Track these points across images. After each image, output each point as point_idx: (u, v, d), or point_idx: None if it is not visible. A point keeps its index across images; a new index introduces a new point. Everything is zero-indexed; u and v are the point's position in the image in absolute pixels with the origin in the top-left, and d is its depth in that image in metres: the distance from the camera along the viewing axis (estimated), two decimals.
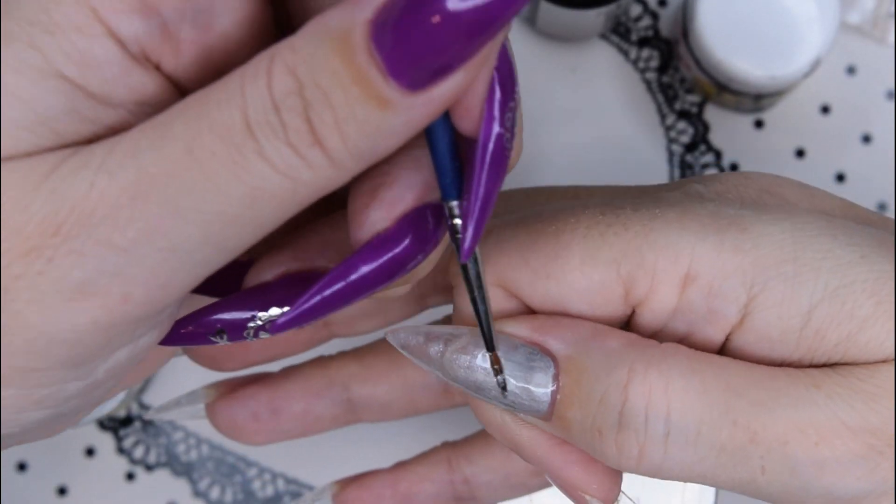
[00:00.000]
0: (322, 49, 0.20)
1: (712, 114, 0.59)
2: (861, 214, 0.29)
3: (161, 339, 0.25)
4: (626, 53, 0.59)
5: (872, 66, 0.59)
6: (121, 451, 0.59)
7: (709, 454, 0.26)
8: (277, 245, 0.27)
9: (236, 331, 0.26)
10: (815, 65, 0.52)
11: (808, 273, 0.26)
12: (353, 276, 0.24)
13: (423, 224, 0.24)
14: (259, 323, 0.26)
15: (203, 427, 0.59)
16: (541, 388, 0.27)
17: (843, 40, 0.58)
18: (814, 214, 0.27)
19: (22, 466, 0.59)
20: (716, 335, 0.27)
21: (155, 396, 0.59)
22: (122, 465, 0.59)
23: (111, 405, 0.55)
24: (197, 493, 0.58)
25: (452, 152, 0.23)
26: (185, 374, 0.59)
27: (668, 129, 0.59)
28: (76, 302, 0.22)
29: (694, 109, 0.59)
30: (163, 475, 0.59)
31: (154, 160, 0.21)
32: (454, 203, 0.24)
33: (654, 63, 0.59)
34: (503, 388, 0.27)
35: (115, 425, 0.59)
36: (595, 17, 0.54)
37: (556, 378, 0.27)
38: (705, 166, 0.59)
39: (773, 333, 0.26)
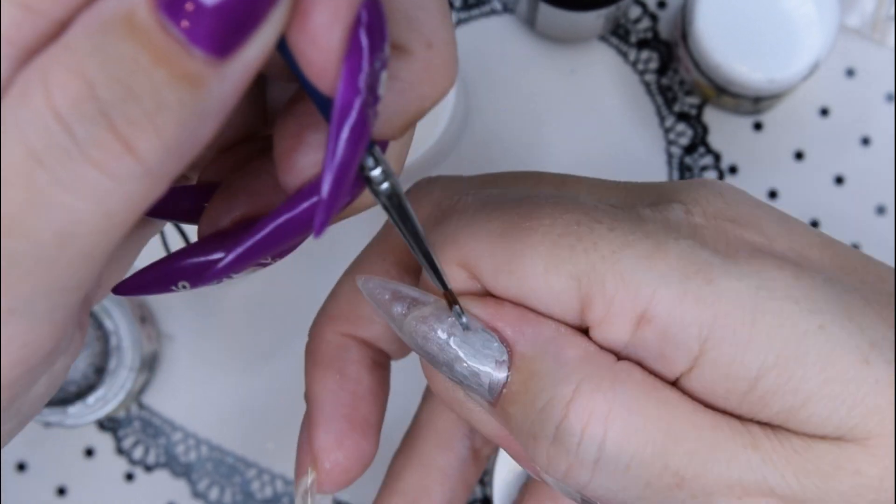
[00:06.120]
0: (109, 38, 0.18)
1: (711, 116, 0.59)
2: (839, 254, 0.29)
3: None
4: (625, 55, 0.59)
5: (872, 69, 0.59)
6: (120, 451, 0.59)
7: (634, 487, 0.26)
8: (229, 188, 0.26)
9: (198, 279, 0.26)
10: (815, 67, 0.52)
11: (763, 340, 0.26)
12: (286, 218, 0.23)
13: None
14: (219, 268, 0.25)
15: (202, 428, 0.59)
16: (490, 375, 0.27)
17: (842, 43, 0.58)
18: (784, 268, 0.27)
19: (21, 466, 0.59)
20: (664, 373, 0.27)
21: (155, 396, 0.59)
22: (122, 465, 0.59)
23: (111, 406, 0.55)
24: (196, 494, 0.58)
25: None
26: (185, 374, 0.59)
27: (667, 131, 0.59)
28: None
29: (693, 111, 0.59)
30: (162, 476, 0.59)
31: None
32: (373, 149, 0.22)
33: (654, 65, 0.59)
34: (460, 315, 0.27)
35: (115, 426, 0.59)
36: (594, 19, 0.54)
37: (508, 368, 0.27)
38: (704, 168, 0.59)
39: (718, 390, 0.26)
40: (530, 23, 0.58)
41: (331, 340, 0.31)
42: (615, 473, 0.26)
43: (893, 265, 0.27)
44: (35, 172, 0.18)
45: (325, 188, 0.21)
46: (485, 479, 0.57)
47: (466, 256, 0.28)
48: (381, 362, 0.32)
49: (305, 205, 0.23)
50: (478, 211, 0.28)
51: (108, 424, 0.59)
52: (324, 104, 0.22)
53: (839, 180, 0.59)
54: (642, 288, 0.26)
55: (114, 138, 0.18)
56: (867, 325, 0.26)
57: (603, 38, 0.59)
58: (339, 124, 0.21)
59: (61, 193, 0.19)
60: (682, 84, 0.59)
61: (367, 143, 0.21)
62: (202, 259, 0.25)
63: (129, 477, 0.59)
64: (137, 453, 0.59)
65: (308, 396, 0.31)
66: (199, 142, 0.19)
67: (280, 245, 0.24)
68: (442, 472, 0.34)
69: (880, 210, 0.58)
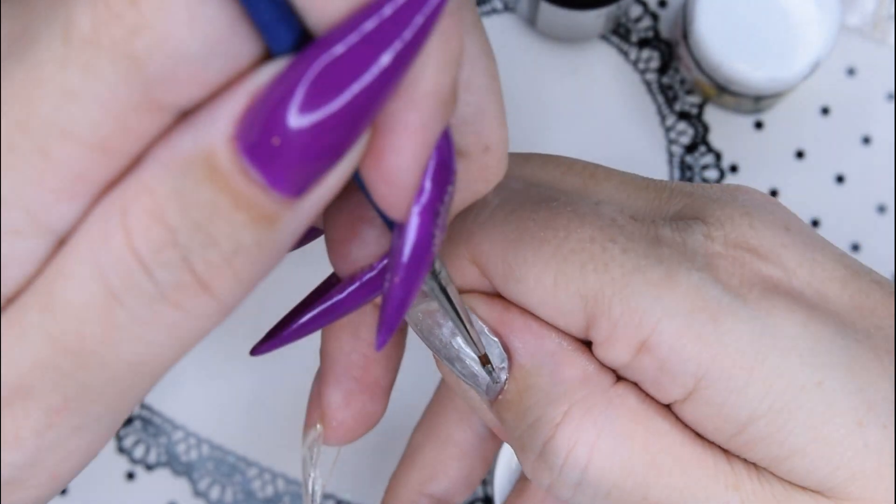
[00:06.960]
0: (189, 181, 0.18)
1: (712, 115, 0.59)
2: (861, 291, 0.28)
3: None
4: (626, 54, 0.59)
5: (872, 68, 0.59)
6: (121, 450, 0.59)
7: None
8: None
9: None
10: (815, 66, 0.52)
11: (758, 388, 0.26)
12: (337, 300, 0.25)
13: None
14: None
15: (203, 427, 0.59)
16: (487, 378, 0.28)
17: (843, 42, 0.58)
18: (794, 312, 0.26)
19: None
20: (658, 397, 0.27)
21: (156, 395, 0.59)
22: (123, 464, 0.59)
23: None
24: (197, 493, 0.58)
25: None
26: (186, 373, 0.59)
27: (668, 130, 0.59)
28: (12, 494, 0.21)
29: (694, 110, 0.59)
30: (163, 475, 0.59)
31: (22, 356, 0.19)
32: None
33: (654, 64, 0.59)
34: (495, 381, 0.28)
35: None
36: (595, 18, 0.54)
37: (507, 372, 0.28)
38: (705, 167, 0.59)
39: (708, 425, 0.27)
40: (531, 22, 0.58)
41: None
42: (595, 497, 0.27)
43: (893, 265, 0.27)
44: (114, 311, 0.19)
45: (387, 313, 0.22)
46: (486, 478, 0.57)
47: (478, 256, 0.28)
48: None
49: (352, 288, 0.24)
50: (496, 210, 0.28)
51: None
52: (387, 217, 0.22)
53: (840, 179, 0.59)
54: (647, 317, 0.26)
55: (193, 280, 0.18)
56: (869, 384, 0.26)
57: (604, 38, 0.59)
58: (400, 255, 0.21)
59: (138, 329, 0.19)
60: (682, 83, 0.59)
61: (430, 267, 0.22)
62: None
63: (130, 476, 0.59)
64: (138, 452, 0.59)
65: (322, 353, 0.31)
66: (269, 271, 0.20)
67: (329, 321, 0.25)
68: (460, 449, 0.35)
69: (881, 209, 0.58)
